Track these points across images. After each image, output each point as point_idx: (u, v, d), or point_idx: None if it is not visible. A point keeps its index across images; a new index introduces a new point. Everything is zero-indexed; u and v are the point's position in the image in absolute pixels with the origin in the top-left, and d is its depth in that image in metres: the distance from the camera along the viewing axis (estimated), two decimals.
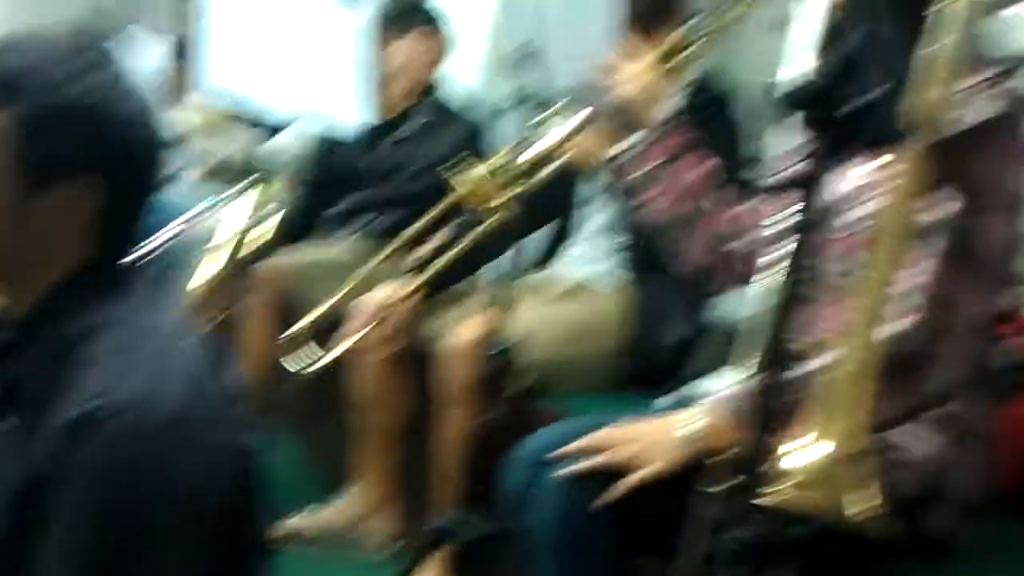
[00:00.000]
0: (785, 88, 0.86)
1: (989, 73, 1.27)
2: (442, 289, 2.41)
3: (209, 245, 2.71)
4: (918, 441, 1.31)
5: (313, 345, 2.33)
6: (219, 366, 1.05)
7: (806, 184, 0.81)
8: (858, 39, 0.74)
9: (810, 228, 0.83)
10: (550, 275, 2.44)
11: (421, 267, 2.40)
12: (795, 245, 0.84)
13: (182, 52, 3.94)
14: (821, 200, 1.38)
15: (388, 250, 2.56)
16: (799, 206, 0.83)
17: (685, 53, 1.66)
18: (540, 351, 2.11)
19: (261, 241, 2.19)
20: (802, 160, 0.86)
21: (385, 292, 2.39)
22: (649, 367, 2.21)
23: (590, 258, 2.38)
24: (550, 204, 2.31)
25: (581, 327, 2.25)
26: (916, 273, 1.23)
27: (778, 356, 0.90)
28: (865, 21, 1.15)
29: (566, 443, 1.45)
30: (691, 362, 2.16)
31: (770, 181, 1.42)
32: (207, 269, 2.73)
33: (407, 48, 2.89)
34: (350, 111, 2.45)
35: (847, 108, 0.71)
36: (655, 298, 2.23)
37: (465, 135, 2.86)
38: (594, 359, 2.25)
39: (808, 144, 0.83)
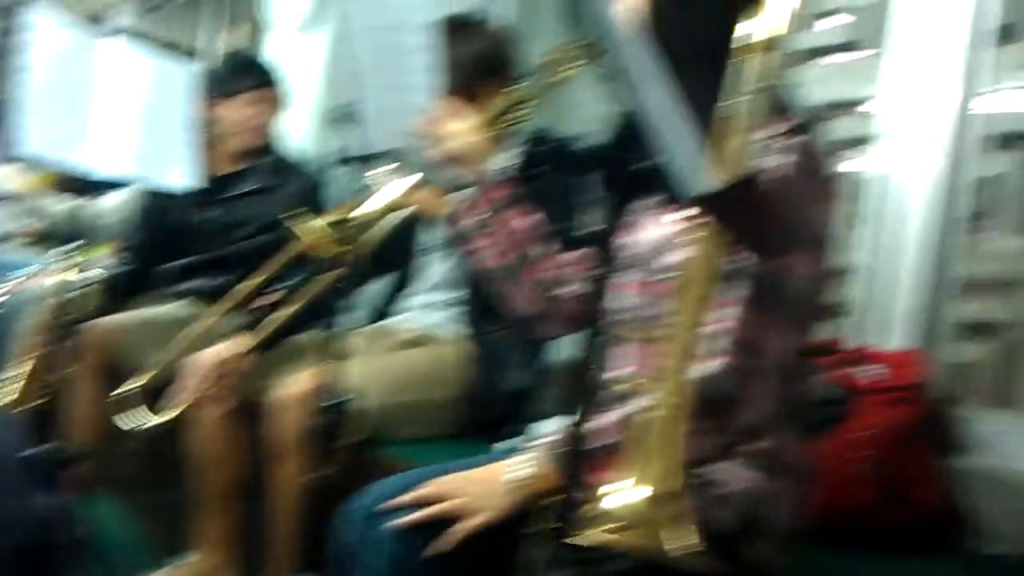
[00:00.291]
0: (584, 145, 0.90)
1: (788, 124, 1.35)
2: (280, 342, 2.39)
3: (35, 309, 2.63)
4: (734, 477, 1.36)
5: (144, 408, 2.28)
6: (29, 437, 1.02)
7: (601, 237, 0.84)
8: (654, 96, 0.78)
9: (606, 278, 0.86)
10: (390, 325, 2.45)
11: (258, 321, 2.38)
12: (597, 292, 0.87)
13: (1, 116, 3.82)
14: (621, 250, 1.46)
15: (223, 306, 2.54)
16: (599, 257, 0.86)
17: (513, 111, 1.71)
18: (378, 400, 2.12)
19: (87, 303, 2.15)
20: (602, 213, 0.90)
21: (219, 348, 2.35)
22: (488, 414, 2.23)
23: (429, 308, 2.40)
24: (389, 255, 2.32)
25: (420, 375, 2.26)
26: (724, 316, 1.29)
27: (589, 399, 0.93)
28: (666, 76, 1.22)
29: (401, 494, 1.45)
30: (530, 407, 2.20)
31: (577, 233, 1.47)
32: (33, 332, 2.65)
33: (239, 108, 2.89)
34: (180, 171, 2.43)
35: (641, 165, 0.75)
36: (493, 345, 2.26)
37: (304, 190, 2.87)
38: (434, 407, 2.26)
39: (606, 199, 0.87)
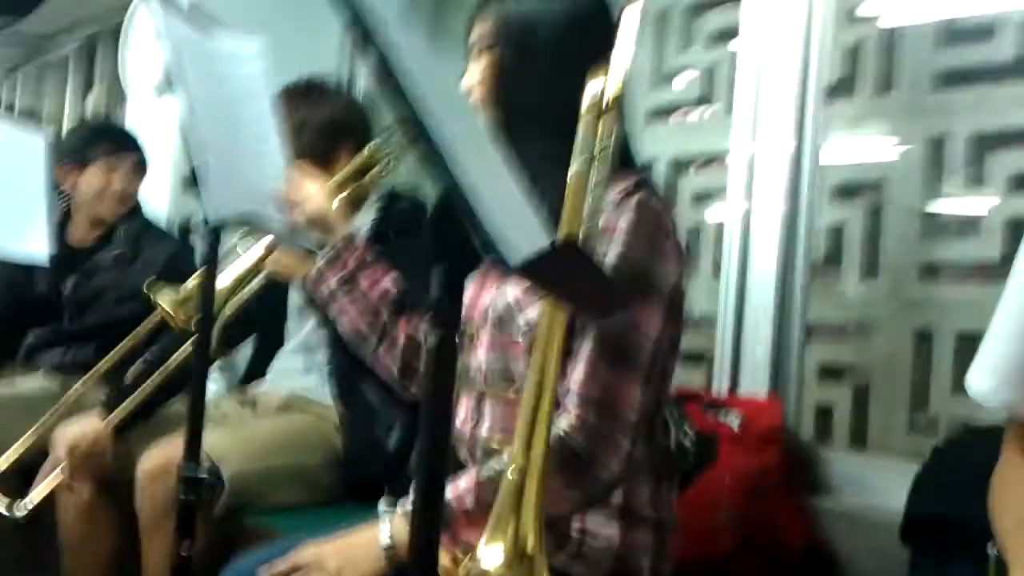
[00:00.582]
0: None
1: (631, 181, 1.39)
2: (148, 413, 2.33)
3: None
4: (601, 528, 1.39)
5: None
6: None
7: (437, 304, 0.86)
8: (477, 161, 0.80)
9: (446, 343, 0.87)
10: (259, 389, 2.42)
11: (122, 393, 2.33)
12: (448, 353, 0.89)
13: None
14: (474, 309, 1.48)
15: (87, 379, 2.47)
16: (448, 317, 0.88)
17: (368, 171, 1.73)
18: (249, 467, 2.08)
19: None
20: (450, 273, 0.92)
21: (81, 424, 2.28)
22: (364, 476, 2.21)
23: (299, 371, 2.38)
24: (255, 319, 2.30)
25: (292, 440, 2.23)
26: (576, 373, 1.31)
27: (438, 458, 0.94)
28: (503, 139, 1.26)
29: (274, 562, 1.43)
30: (405, 469, 2.19)
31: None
32: None
33: (96, 176, 2.84)
34: (33, 241, 2.38)
35: (473, 233, 0.76)
36: (364, 407, 2.24)
37: (171, 256, 2.83)
38: (307, 472, 2.23)
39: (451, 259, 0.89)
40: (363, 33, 0.74)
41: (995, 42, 2.10)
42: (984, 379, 1.13)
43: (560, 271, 0.80)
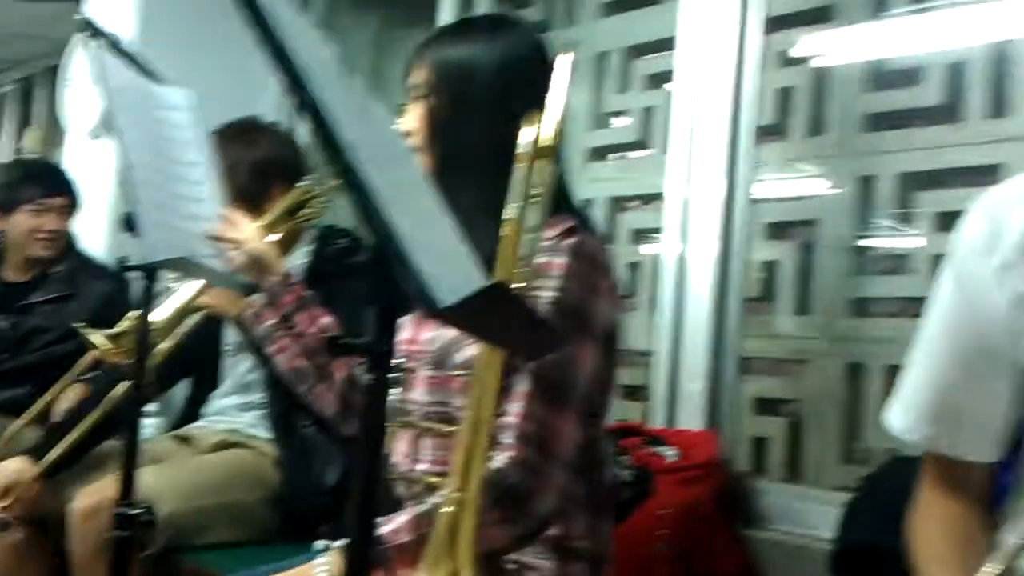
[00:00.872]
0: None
1: (567, 224, 1.42)
2: (79, 455, 2.30)
3: None
4: (538, 561, 1.41)
5: None
6: None
7: (371, 345, 0.88)
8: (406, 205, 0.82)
9: (380, 384, 0.89)
10: (196, 428, 2.40)
11: (55, 433, 2.30)
12: (371, 397, 0.90)
13: None
14: (411, 347, 1.50)
15: (21, 422, 2.44)
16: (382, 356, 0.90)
17: (302, 210, 1.74)
18: (185, 505, 2.07)
19: None
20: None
21: (12, 464, 2.25)
22: (301, 515, 2.20)
23: (236, 409, 2.37)
24: (190, 358, 2.29)
25: (229, 478, 2.22)
26: (513, 410, 1.33)
27: (373, 495, 0.95)
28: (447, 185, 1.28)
29: None
30: (342, 507, 2.18)
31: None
32: None
33: (29, 216, 2.83)
34: None
35: (403, 279, 0.78)
36: (301, 445, 2.24)
37: (107, 295, 2.81)
38: (244, 510, 2.21)
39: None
40: (293, 83, 0.76)
41: (921, 86, 2.18)
42: (902, 415, 1.17)
43: (491, 315, 0.82)
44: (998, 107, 2.06)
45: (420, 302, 0.75)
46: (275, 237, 1.75)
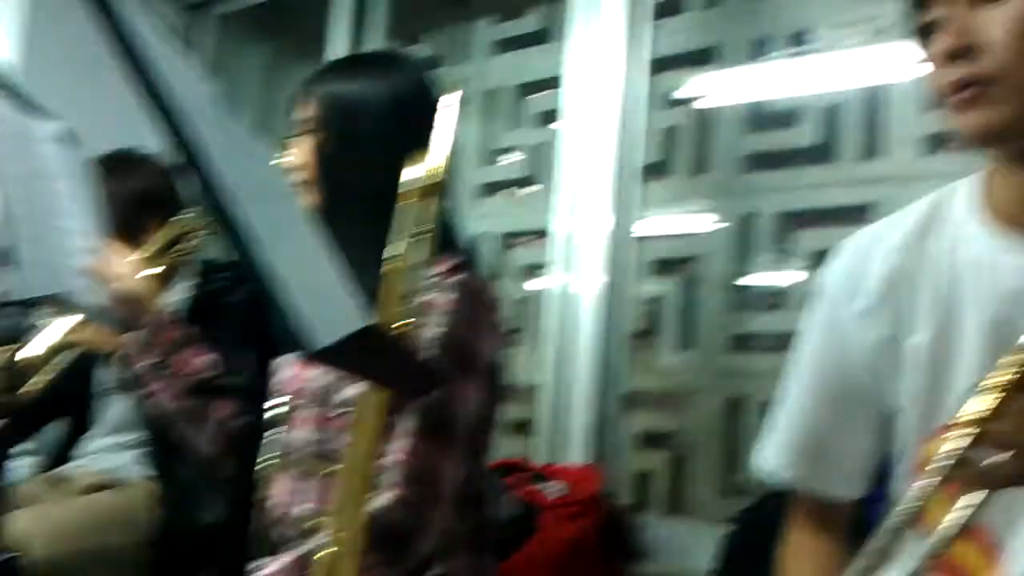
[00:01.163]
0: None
1: (453, 261, 1.43)
2: None
3: None
4: None
5: None
6: None
7: (246, 388, 0.86)
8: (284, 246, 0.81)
9: (255, 425, 0.88)
10: (70, 469, 2.32)
11: None
12: (250, 441, 0.89)
13: None
14: (292, 386, 1.48)
15: None
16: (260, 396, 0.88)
17: (181, 243, 1.70)
18: (61, 549, 1.99)
19: None
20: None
21: None
22: (181, 556, 2.14)
23: (111, 450, 2.29)
24: (63, 397, 2.21)
25: (105, 520, 2.14)
26: (396, 448, 1.32)
27: (249, 537, 0.93)
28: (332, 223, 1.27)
29: None
30: (222, 548, 2.13)
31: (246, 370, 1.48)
32: None
33: None
34: None
35: (278, 321, 0.77)
36: (182, 486, 2.18)
37: None
38: (121, 552, 2.14)
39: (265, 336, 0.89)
40: (165, 121, 0.74)
41: (798, 127, 2.26)
42: (773, 455, 1.20)
43: (370, 355, 0.81)
44: (870, 149, 2.15)
45: (296, 343, 0.75)
46: (154, 271, 1.70)
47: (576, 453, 2.35)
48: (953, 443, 0.75)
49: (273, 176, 1.04)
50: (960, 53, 0.93)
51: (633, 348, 2.40)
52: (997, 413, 0.74)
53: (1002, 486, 0.80)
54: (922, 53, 0.99)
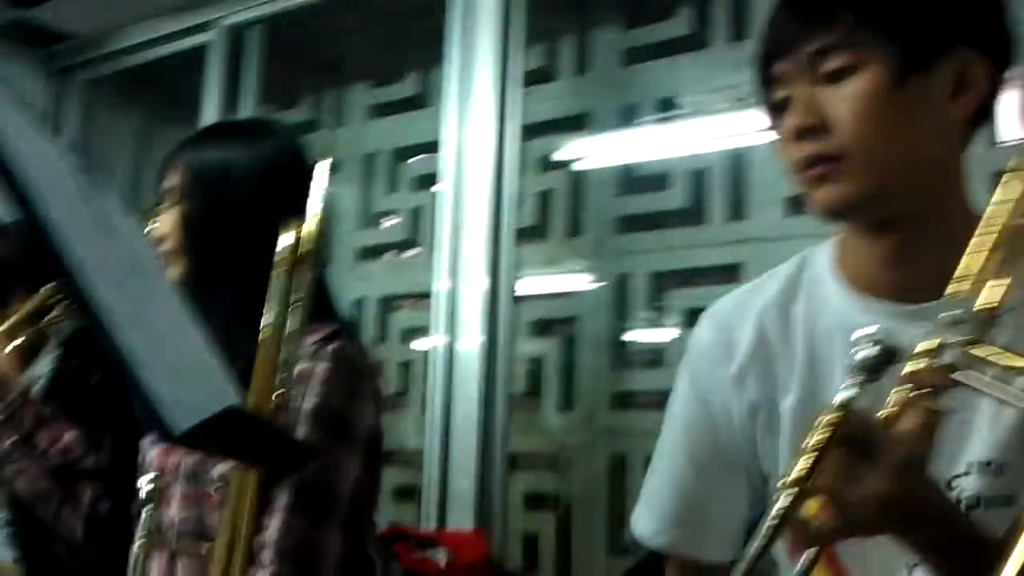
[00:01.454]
0: None
1: (328, 330, 1.41)
2: None
3: None
4: None
5: None
6: None
7: (109, 469, 0.83)
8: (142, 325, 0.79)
9: (121, 508, 0.85)
10: None
11: None
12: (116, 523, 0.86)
13: None
14: (163, 461, 1.43)
15: None
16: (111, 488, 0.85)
17: (45, 318, 1.65)
18: None
19: None
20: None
21: None
22: None
23: None
24: None
25: None
26: (271, 525, 1.29)
27: None
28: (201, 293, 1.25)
29: None
30: None
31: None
32: None
33: None
34: None
35: (135, 403, 0.74)
36: (52, 567, 2.08)
37: None
38: None
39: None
40: (14, 196, 0.72)
41: (668, 190, 2.31)
42: (647, 520, 1.19)
43: (235, 435, 0.79)
44: (737, 210, 2.22)
45: (151, 427, 0.72)
46: (15, 344, 1.64)
47: (463, 517, 2.32)
48: (780, 503, 0.76)
49: (137, 248, 1.01)
50: (809, 131, 0.97)
51: (516, 409, 2.40)
52: (814, 472, 0.76)
53: (828, 542, 0.82)
54: (774, 129, 1.03)
